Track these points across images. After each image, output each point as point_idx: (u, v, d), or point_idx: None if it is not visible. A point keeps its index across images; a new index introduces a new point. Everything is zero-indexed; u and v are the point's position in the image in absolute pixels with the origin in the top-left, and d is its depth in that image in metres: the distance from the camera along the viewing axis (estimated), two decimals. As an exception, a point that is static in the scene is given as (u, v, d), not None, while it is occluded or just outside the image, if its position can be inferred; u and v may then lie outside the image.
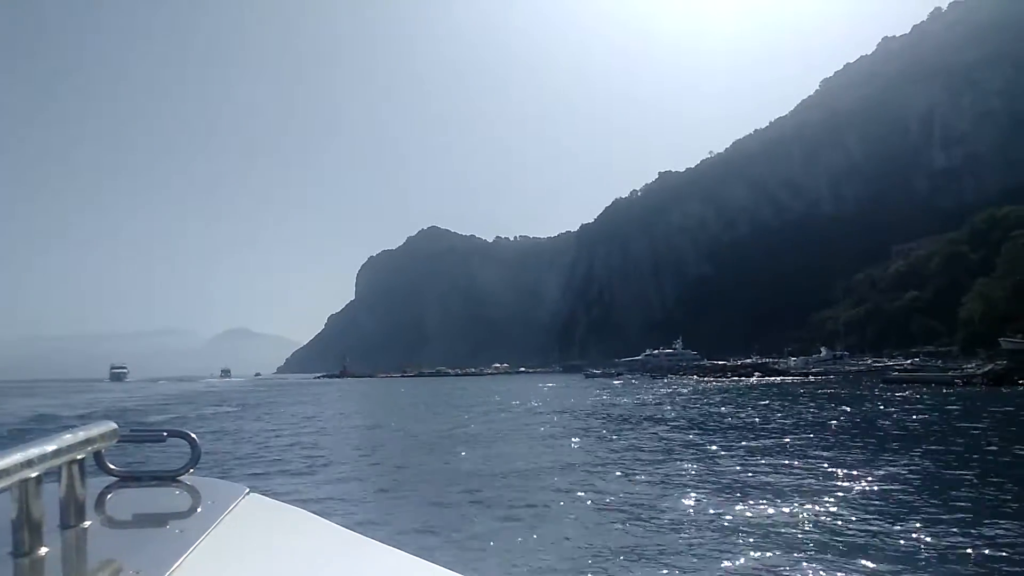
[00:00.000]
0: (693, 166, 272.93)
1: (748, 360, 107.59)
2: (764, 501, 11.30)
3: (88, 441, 1.20)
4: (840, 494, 11.78)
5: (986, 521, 9.78)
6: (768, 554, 8.32)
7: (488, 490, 13.34)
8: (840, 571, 7.66)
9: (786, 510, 10.58)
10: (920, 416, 27.17)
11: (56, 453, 1.07)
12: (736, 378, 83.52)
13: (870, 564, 7.89)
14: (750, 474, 14.04)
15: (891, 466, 14.80)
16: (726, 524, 9.83)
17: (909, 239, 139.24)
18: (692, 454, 17.48)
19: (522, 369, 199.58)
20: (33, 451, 1.00)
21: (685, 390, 57.95)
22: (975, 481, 13.10)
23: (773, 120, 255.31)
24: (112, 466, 1.47)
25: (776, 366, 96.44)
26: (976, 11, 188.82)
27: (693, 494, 12.04)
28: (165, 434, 1.49)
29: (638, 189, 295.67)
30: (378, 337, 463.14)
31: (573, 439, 22.40)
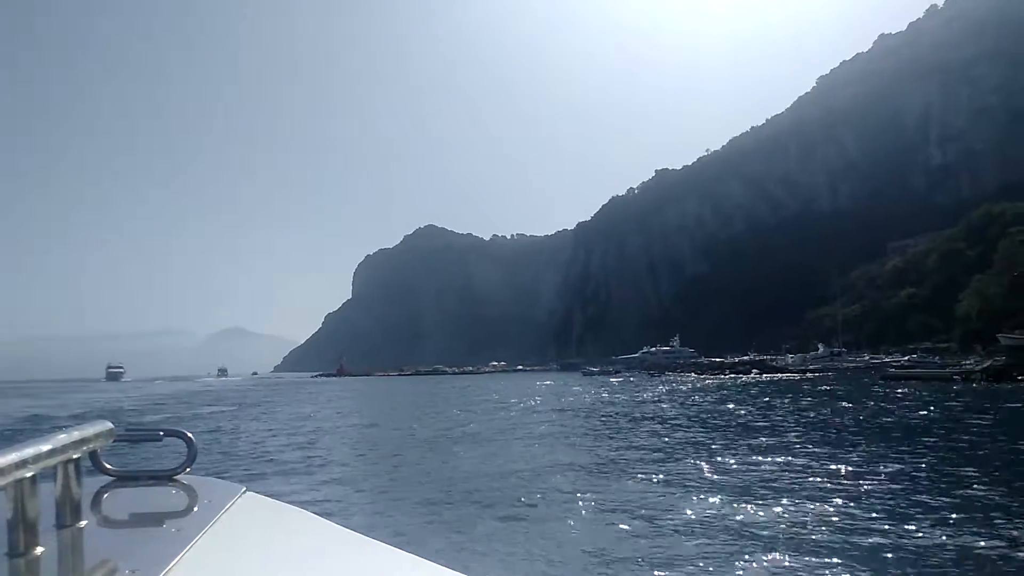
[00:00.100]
0: (690, 164, 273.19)
1: (745, 357, 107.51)
2: (772, 502, 11.08)
3: (84, 441, 1.20)
4: (848, 494, 11.57)
5: (998, 520, 9.60)
6: (778, 556, 8.10)
7: (488, 491, 13.11)
8: (854, 574, 7.46)
9: (794, 511, 10.36)
10: (922, 413, 27.04)
11: (51, 453, 1.07)
12: (734, 375, 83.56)
13: (884, 566, 7.68)
14: (755, 474, 13.82)
15: (898, 464, 14.62)
16: (733, 526, 9.59)
17: (906, 236, 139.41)
18: (695, 453, 17.24)
19: (519, 367, 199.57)
20: (28, 451, 1.00)
21: (684, 388, 57.80)
22: (984, 479, 12.90)
23: (770, 118, 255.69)
24: (108, 465, 1.46)
25: (774, 363, 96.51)
26: (972, 8, 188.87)
27: (699, 495, 11.79)
28: (161, 433, 1.48)
29: (635, 187, 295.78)
30: (375, 336, 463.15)
31: (574, 438, 22.20)
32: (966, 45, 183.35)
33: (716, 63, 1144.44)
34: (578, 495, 12.25)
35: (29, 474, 0.99)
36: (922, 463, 14.82)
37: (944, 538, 8.75)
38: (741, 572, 7.68)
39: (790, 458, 15.68)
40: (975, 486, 12.20)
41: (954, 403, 31.46)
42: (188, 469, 1.54)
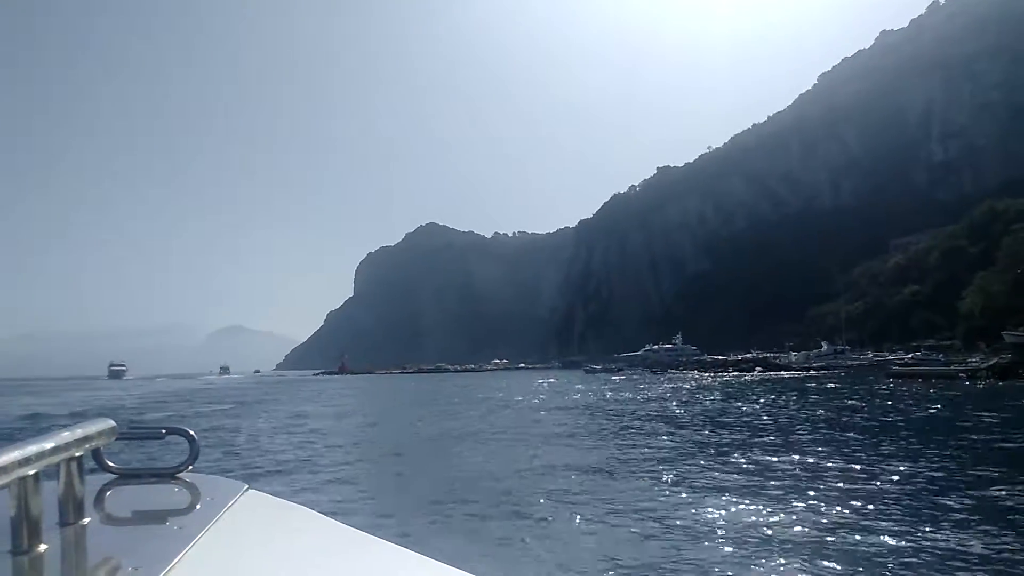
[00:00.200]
0: (692, 161, 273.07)
1: (748, 355, 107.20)
2: (787, 503, 10.79)
3: (87, 439, 1.20)
4: (867, 497, 11.28)
5: (1021, 523, 9.35)
6: (795, 561, 7.86)
7: (494, 491, 12.87)
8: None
9: (814, 517, 10.01)
10: (932, 412, 26.77)
11: (55, 450, 1.07)
12: (737, 373, 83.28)
13: (905, 570, 7.45)
14: (769, 475, 13.51)
15: (913, 464, 14.34)
16: (748, 529, 9.30)
17: (908, 233, 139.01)
18: (706, 453, 16.92)
19: (521, 365, 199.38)
20: (31, 448, 1.00)
21: (687, 386, 57.54)
22: (1004, 479, 12.62)
23: (772, 115, 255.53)
24: (111, 463, 1.47)
25: (777, 361, 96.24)
26: (974, 4, 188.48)
27: (711, 497, 11.50)
28: (164, 431, 1.49)
29: (636, 184, 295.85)
30: (377, 334, 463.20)
31: (580, 438, 21.94)
32: (968, 41, 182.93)
33: (717, 60, 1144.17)
34: (587, 496, 12.01)
35: (32, 472, 0.99)
36: (937, 463, 14.56)
37: (968, 541, 8.51)
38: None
39: (803, 458, 15.42)
40: (993, 488, 11.93)
41: (962, 401, 31.20)
42: (191, 467, 1.54)
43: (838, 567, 7.59)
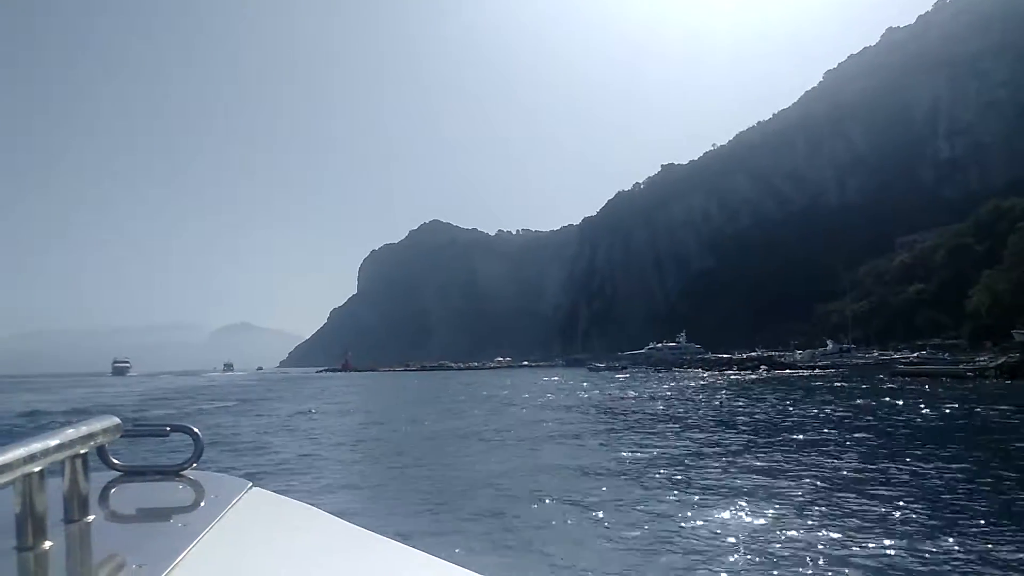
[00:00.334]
0: (696, 159, 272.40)
1: (753, 353, 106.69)
2: (811, 511, 10.36)
3: (91, 436, 1.20)
4: (889, 503, 10.90)
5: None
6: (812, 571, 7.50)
7: (501, 492, 12.54)
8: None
9: (836, 522, 9.63)
10: (947, 411, 26.29)
11: (59, 448, 1.07)
12: (742, 372, 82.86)
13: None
14: (790, 479, 13.03)
15: (933, 466, 13.96)
16: (764, 539, 8.93)
17: (914, 230, 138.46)
18: (718, 456, 16.43)
19: (525, 363, 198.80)
20: (36, 445, 1.00)
21: (693, 384, 57.15)
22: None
23: (777, 112, 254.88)
24: (115, 461, 1.47)
25: (782, 359, 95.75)
26: (980, 1, 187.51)
27: (727, 502, 11.09)
28: (168, 429, 1.49)
29: (640, 182, 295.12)
30: (380, 331, 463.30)
31: (588, 437, 21.59)
32: (975, 38, 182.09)
33: (722, 57, 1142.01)
34: (596, 498, 11.68)
35: (37, 469, 1.00)
36: (959, 465, 14.19)
37: (997, 548, 8.16)
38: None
39: (823, 460, 15.08)
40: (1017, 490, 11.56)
41: (974, 401, 30.71)
42: (195, 464, 1.54)
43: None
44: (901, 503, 10.69)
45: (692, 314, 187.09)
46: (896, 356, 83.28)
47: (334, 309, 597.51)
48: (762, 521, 9.71)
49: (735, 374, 78.70)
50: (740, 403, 34.16)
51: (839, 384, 48.50)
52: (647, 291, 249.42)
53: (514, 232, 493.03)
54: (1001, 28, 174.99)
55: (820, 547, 8.29)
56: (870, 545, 8.35)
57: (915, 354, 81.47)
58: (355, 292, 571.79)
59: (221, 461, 16.82)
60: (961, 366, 56.38)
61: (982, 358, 58.99)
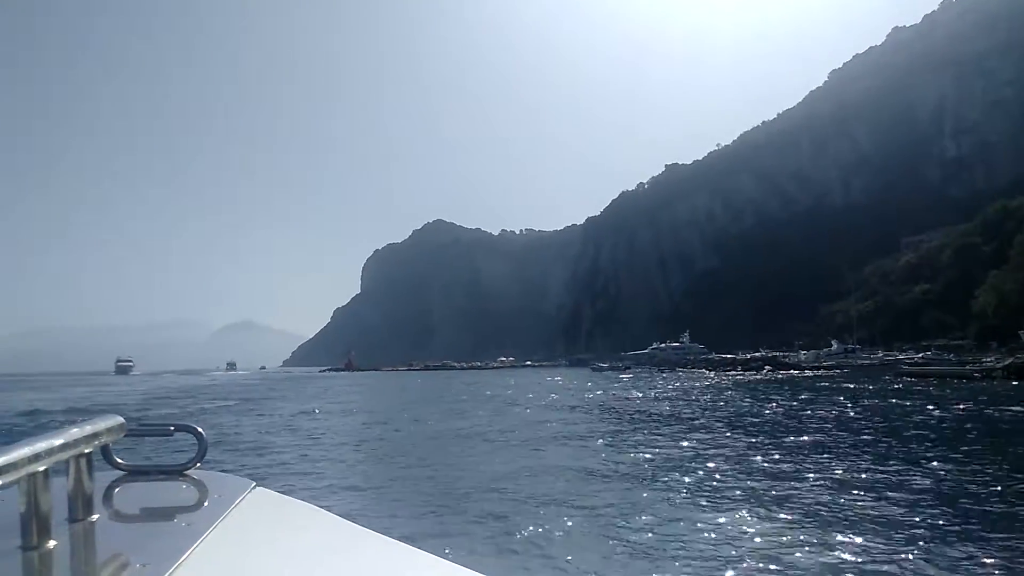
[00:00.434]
0: (700, 158, 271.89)
1: (757, 354, 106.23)
2: (822, 519, 10.08)
3: (95, 435, 1.20)
4: (904, 507, 10.64)
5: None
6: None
7: (505, 493, 12.31)
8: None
9: (855, 531, 9.32)
10: (957, 413, 25.96)
11: (63, 447, 1.07)
12: (746, 372, 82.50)
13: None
14: (795, 484, 12.76)
15: (951, 472, 13.65)
16: (776, 549, 8.68)
17: (920, 230, 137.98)
18: (726, 458, 16.14)
19: (528, 363, 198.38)
20: (40, 445, 1.00)
21: (697, 384, 56.85)
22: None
23: (781, 112, 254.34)
24: (119, 460, 1.48)
25: (786, 360, 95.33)
26: (987, 0, 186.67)
27: (738, 509, 10.77)
28: (172, 428, 1.49)
29: (644, 182, 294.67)
30: (383, 330, 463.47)
31: (594, 438, 21.33)
32: (980, 37, 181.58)
33: (725, 57, 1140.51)
34: (603, 499, 11.47)
35: (42, 468, 1.00)
36: (970, 467, 13.91)
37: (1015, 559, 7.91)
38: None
39: (837, 462, 14.84)
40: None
41: (983, 403, 30.33)
42: (198, 464, 1.55)
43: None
44: (916, 507, 10.42)
45: (696, 314, 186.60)
46: (901, 357, 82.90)
47: (337, 308, 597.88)
48: (773, 525, 9.47)
49: (739, 374, 78.30)
50: (746, 404, 33.89)
51: (845, 385, 48.14)
52: (651, 291, 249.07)
53: (518, 232, 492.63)
54: (1007, 27, 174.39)
55: (833, 553, 8.06)
56: (885, 550, 8.10)
57: (920, 355, 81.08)
58: (358, 291, 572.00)
59: (224, 461, 16.67)
60: (967, 367, 55.97)
61: (988, 359, 58.61)
